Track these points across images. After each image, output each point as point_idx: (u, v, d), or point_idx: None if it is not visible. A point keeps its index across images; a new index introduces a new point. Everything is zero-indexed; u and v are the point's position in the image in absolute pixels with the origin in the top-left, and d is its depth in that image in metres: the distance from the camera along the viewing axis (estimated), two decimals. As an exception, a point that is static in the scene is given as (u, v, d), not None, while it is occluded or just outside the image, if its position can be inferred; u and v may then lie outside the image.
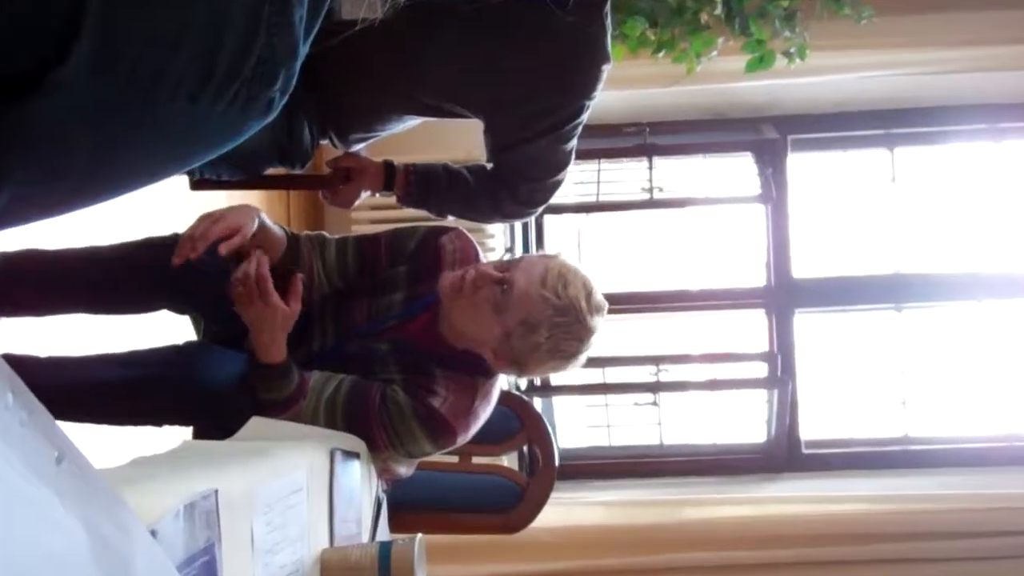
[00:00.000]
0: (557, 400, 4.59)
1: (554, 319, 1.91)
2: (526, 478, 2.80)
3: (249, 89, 0.87)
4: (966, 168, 4.63)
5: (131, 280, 2.11)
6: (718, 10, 3.81)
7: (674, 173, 4.61)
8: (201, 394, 1.94)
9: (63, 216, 0.92)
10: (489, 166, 2.41)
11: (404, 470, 2.21)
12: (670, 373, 4.45)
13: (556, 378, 4.44)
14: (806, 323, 4.56)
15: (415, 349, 2.04)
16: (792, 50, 3.90)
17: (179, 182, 2.36)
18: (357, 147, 2.48)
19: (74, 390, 1.97)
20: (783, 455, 4.46)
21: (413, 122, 2.49)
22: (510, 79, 2.25)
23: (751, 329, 4.64)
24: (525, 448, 2.85)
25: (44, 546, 0.79)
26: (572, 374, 4.33)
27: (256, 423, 1.82)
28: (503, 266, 2.00)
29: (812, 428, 4.54)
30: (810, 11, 3.89)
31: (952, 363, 4.60)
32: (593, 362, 3.98)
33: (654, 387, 4.45)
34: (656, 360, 4.46)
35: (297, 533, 1.54)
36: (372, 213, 4.13)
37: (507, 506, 2.75)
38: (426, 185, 2.37)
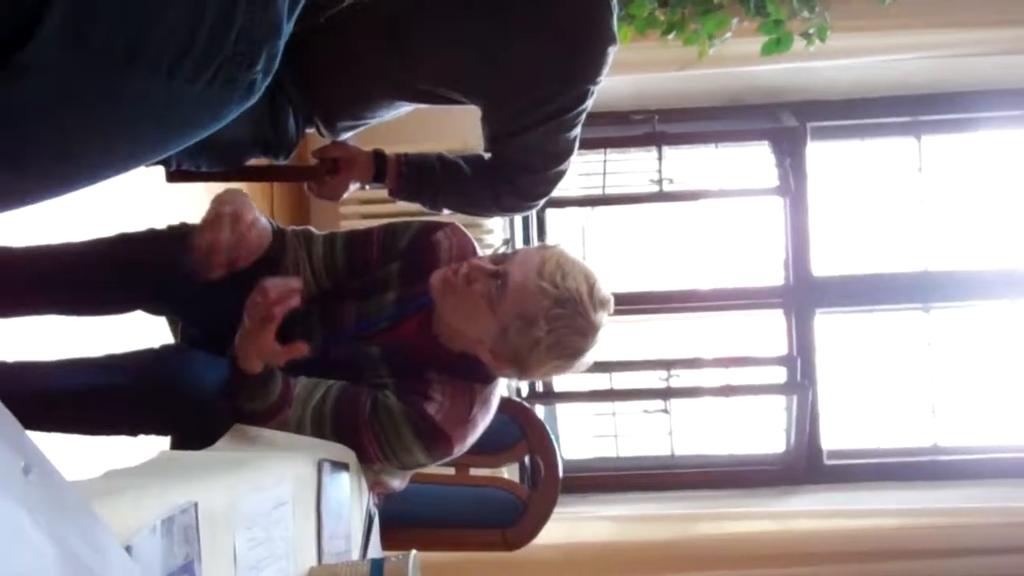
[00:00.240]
0: (561, 408, 4.59)
1: (552, 311, 1.90)
2: (528, 491, 2.80)
3: (230, 68, 0.87)
4: (999, 157, 4.63)
5: (104, 279, 2.11)
6: (732, -12, 3.81)
7: (685, 164, 4.62)
8: (179, 401, 1.94)
9: (31, 208, 0.92)
10: (487, 156, 2.41)
11: (397, 483, 2.21)
12: (682, 378, 4.45)
13: (560, 384, 4.44)
14: (827, 324, 4.56)
15: (408, 352, 2.03)
16: (811, 31, 3.91)
17: (154, 174, 2.35)
18: (345, 136, 2.48)
19: (43, 397, 1.97)
20: (803, 466, 4.46)
21: (405, 109, 2.49)
22: (509, 62, 2.24)
23: (769, 331, 4.64)
24: (527, 459, 2.86)
25: (10, 564, 0.78)
26: (577, 379, 4.37)
27: (238, 432, 1.82)
28: (498, 259, 2.00)
29: (834, 437, 4.55)
30: (831, -11, 3.90)
31: (984, 367, 4.60)
32: (599, 367, 3.97)
33: (665, 394, 4.45)
34: (667, 365, 4.45)
35: (283, 550, 1.54)
36: (362, 207, 4.13)
37: (507, 521, 2.75)
38: (419, 176, 2.37)
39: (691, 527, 4.12)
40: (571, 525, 4.01)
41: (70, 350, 2.10)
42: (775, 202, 4.59)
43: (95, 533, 0.90)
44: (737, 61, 4.14)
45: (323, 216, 4.12)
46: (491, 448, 2.61)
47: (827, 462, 4.49)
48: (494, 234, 4.09)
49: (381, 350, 2.05)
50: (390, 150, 2.41)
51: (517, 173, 2.35)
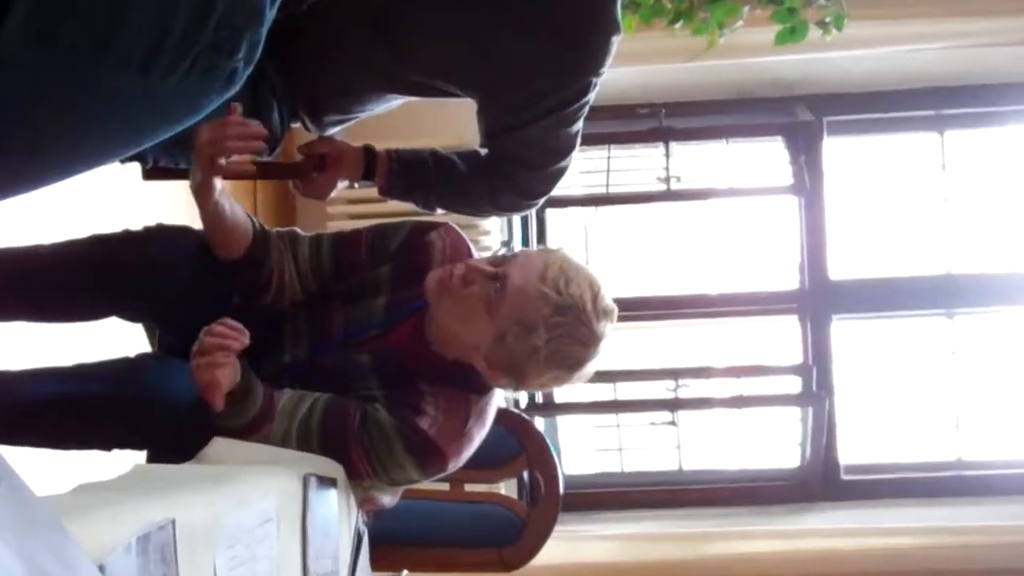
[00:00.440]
0: (562, 420, 4.59)
1: (553, 319, 1.90)
2: (526, 508, 2.80)
3: (208, 58, 0.87)
4: (1027, 154, 4.64)
5: (77, 282, 2.11)
6: (743, -26, 3.82)
7: (694, 160, 4.62)
8: (156, 413, 1.94)
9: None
10: (484, 152, 2.41)
11: (387, 499, 2.21)
12: (690, 389, 4.45)
13: (561, 395, 4.44)
14: (845, 331, 4.56)
15: (400, 361, 2.03)
16: (828, 20, 3.91)
17: (130, 171, 2.36)
18: (333, 130, 2.48)
19: (11, 409, 1.97)
20: (819, 482, 4.46)
21: (396, 102, 2.49)
22: (501, 56, 2.25)
23: (782, 338, 4.64)
24: (525, 474, 2.85)
25: (-24, 583, 0.79)
26: (579, 389, 4.37)
27: (219, 445, 1.82)
28: (497, 261, 2.00)
29: (852, 451, 4.54)
30: (848, -25, 3.90)
31: (1011, 377, 4.60)
32: (603, 376, 3.97)
33: (672, 405, 4.45)
34: (675, 374, 4.46)
35: (266, 569, 1.54)
36: (350, 207, 4.14)
37: (505, 540, 2.75)
38: (412, 174, 2.37)
39: (700, 547, 4.12)
40: (572, 544, 4.01)
41: (37, 360, 2.10)
42: (789, 201, 4.59)
43: (66, 551, 0.90)
44: (749, 51, 4.14)
45: (309, 216, 4.12)
46: (488, 463, 2.61)
47: (844, 477, 4.49)
48: (491, 235, 4.09)
49: (371, 358, 2.05)
50: (380, 146, 2.40)
51: (515, 170, 2.35)
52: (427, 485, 2.31)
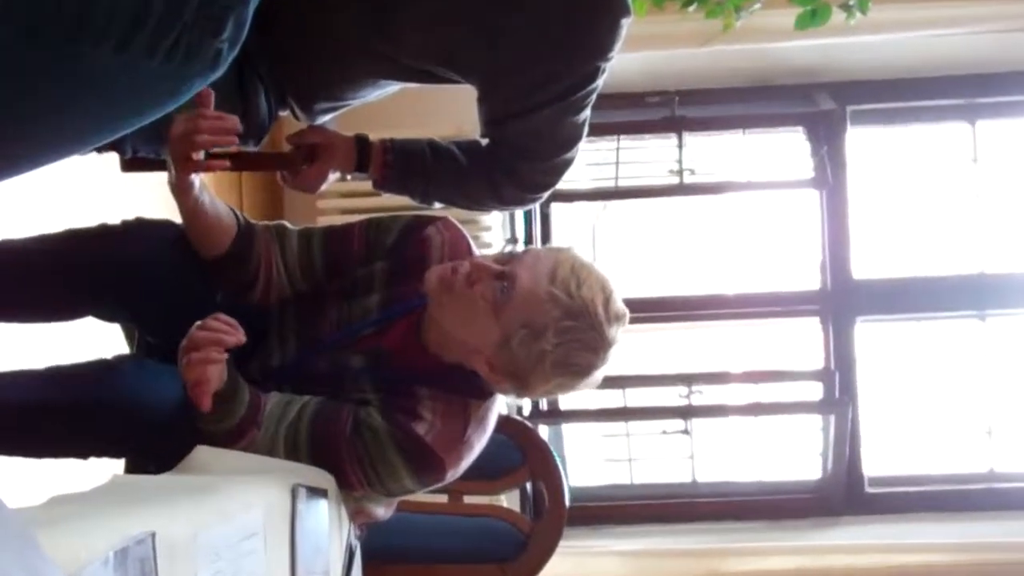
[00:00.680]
0: (568, 428, 4.59)
1: (563, 323, 1.90)
2: (530, 522, 2.80)
3: (192, 37, 0.87)
4: (1064, 146, 4.64)
5: (51, 280, 2.11)
6: (761, -47, 3.81)
7: (709, 152, 4.62)
8: (135, 419, 1.94)
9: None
10: (484, 142, 2.41)
11: (382, 511, 2.21)
12: (705, 395, 4.45)
13: (567, 401, 4.44)
14: (869, 334, 4.56)
15: (395, 363, 2.04)
16: (851, 2, 3.90)
17: (108, 161, 2.36)
18: (324, 119, 2.48)
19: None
20: (842, 495, 4.46)
21: (391, 89, 2.49)
22: (505, 38, 2.25)
23: (803, 342, 4.64)
24: (528, 485, 2.85)
25: (-57, 598, 0.79)
26: (586, 396, 4.37)
27: (202, 453, 1.83)
28: (504, 259, 2.00)
29: (877, 462, 4.54)
30: (873, -45, 3.90)
31: (1048, 383, 4.60)
32: (612, 382, 3.98)
33: (685, 412, 4.46)
34: (688, 380, 4.46)
35: (252, 586, 1.54)
36: (342, 201, 4.13)
37: (506, 556, 2.75)
38: (408, 165, 2.37)
39: (714, 564, 4.12)
40: (578, 560, 4.01)
41: (6, 363, 2.10)
42: (810, 196, 4.59)
43: (39, 566, 0.90)
44: (767, 36, 4.14)
45: (299, 210, 4.12)
46: (488, 473, 2.61)
47: (869, 490, 4.49)
48: (492, 231, 4.09)
49: (364, 360, 2.05)
50: (374, 135, 2.41)
51: (518, 161, 2.35)
52: (424, 497, 2.31)
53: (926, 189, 4.68)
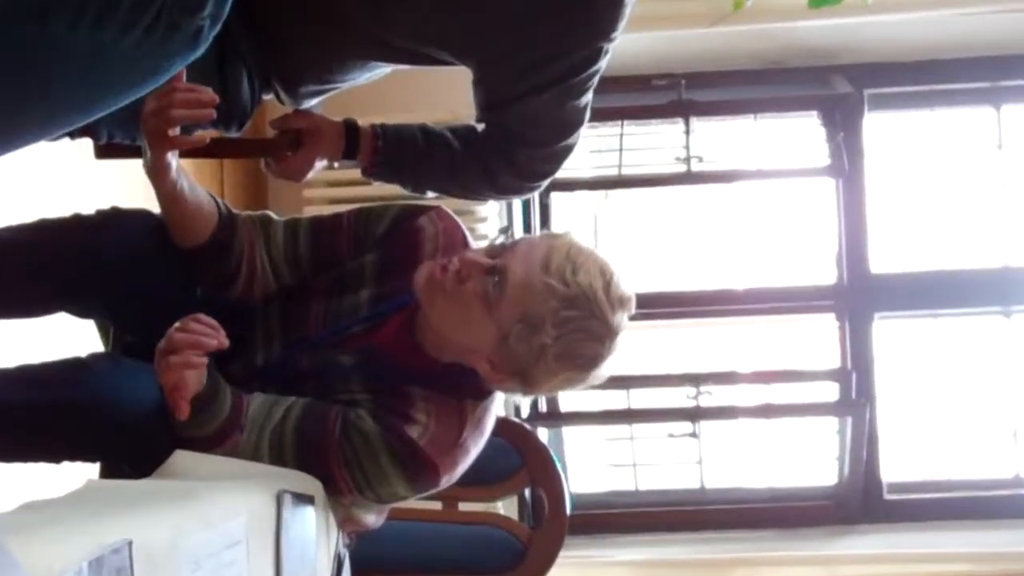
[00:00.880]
0: (569, 431, 4.59)
1: (562, 313, 1.90)
2: (528, 530, 2.80)
3: (171, 13, 0.87)
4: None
5: (21, 273, 2.11)
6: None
7: (718, 138, 4.62)
8: (111, 421, 1.94)
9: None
10: (480, 128, 2.41)
11: (372, 519, 2.21)
12: (714, 397, 4.45)
13: (568, 402, 4.44)
14: (888, 331, 4.56)
15: (386, 363, 2.04)
16: (869, -21, 3.91)
17: (82, 148, 2.35)
18: (310, 103, 2.48)
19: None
20: (859, 502, 4.46)
21: (382, 71, 2.49)
22: (506, 13, 2.25)
23: (818, 340, 4.64)
24: (527, 492, 2.85)
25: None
26: (588, 397, 4.37)
27: (181, 458, 1.83)
28: (495, 251, 2.00)
29: (896, 467, 4.54)
30: (893, -72, 3.91)
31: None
32: (615, 382, 3.98)
33: (693, 414, 4.45)
34: (696, 380, 4.46)
35: (235, 598, 1.54)
36: (329, 190, 4.14)
37: (504, 566, 2.75)
38: (399, 152, 2.38)
39: (724, 575, 4.12)
40: (580, 571, 4.01)
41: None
42: (826, 184, 4.59)
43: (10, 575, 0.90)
44: (780, 15, 4.14)
45: (283, 200, 4.12)
46: (485, 478, 2.61)
47: (888, 497, 4.49)
48: (488, 222, 4.09)
49: (354, 359, 2.05)
50: (364, 120, 2.41)
51: (516, 148, 2.35)
52: (417, 503, 2.31)
53: (948, 177, 4.68)
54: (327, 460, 1.97)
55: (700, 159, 4.48)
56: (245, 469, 1.87)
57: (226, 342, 1.88)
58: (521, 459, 2.78)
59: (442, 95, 3.51)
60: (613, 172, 4.53)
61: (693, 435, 4.48)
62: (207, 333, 1.86)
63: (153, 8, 0.88)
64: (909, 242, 4.68)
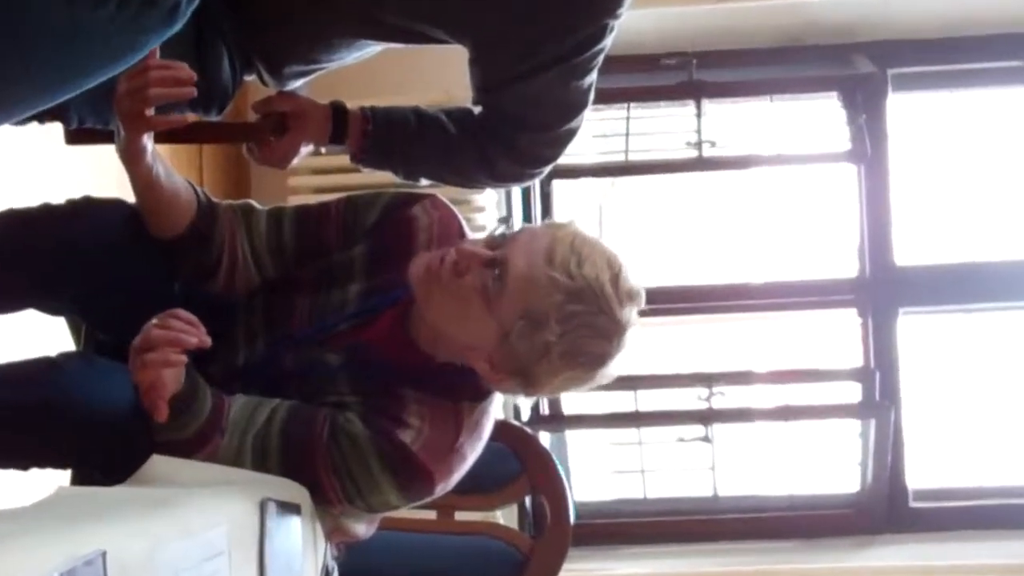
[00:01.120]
0: (572, 435, 4.59)
1: (567, 307, 1.90)
2: (529, 541, 2.80)
3: None
4: None
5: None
6: None
7: (731, 122, 4.62)
8: (83, 425, 1.94)
9: None
10: (477, 111, 2.41)
11: (362, 529, 2.21)
12: (728, 398, 4.45)
13: (571, 404, 4.44)
14: (914, 328, 4.56)
15: (377, 362, 2.04)
16: (893, -49, 3.91)
17: (52, 133, 2.36)
18: (295, 84, 2.48)
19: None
20: (883, 510, 4.47)
21: (372, 50, 2.49)
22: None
23: (839, 337, 4.65)
24: (528, 500, 2.86)
25: None
26: (593, 398, 4.37)
27: (158, 464, 1.83)
28: (495, 242, 2.00)
29: (923, 473, 4.55)
30: None
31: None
32: (622, 383, 3.96)
33: (706, 417, 4.46)
34: (708, 380, 4.46)
35: (216, 613, 1.55)
36: (315, 178, 4.14)
37: (503, 579, 2.76)
38: (390, 136, 2.38)
39: (739, 588, 4.13)
40: (585, 586, 4.02)
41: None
42: (847, 171, 4.59)
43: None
44: (798, -10, 4.15)
45: (266, 188, 4.12)
46: (483, 485, 2.61)
47: (913, 505, 4.49)
48: (486, 212, 4.09)
49: (342, 358, 2.06)
50: (352, 103, 2.41)
51: (515, 131, 2.35)
52: (410, 513, 2.31)
53: (978, 162, 4.68)
54: (314, 466, 1.97)
55: (712, 144, 4.48)
56: (226, 475, 1.88)
57: (207, 340, 1.88)
58: (521, 465, 2.78)
59: (436, 75, 3.52)
60: (619, 158, 4.53)
61: (705, 439, 4.48)
62: (186, 330, 1.87)
63: None
64: (936, 232, 4.68)
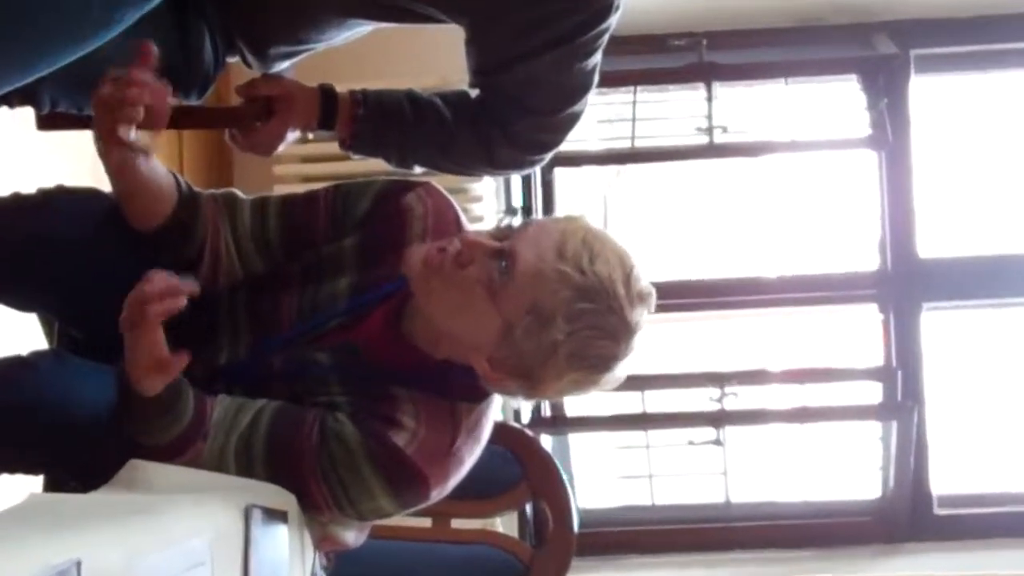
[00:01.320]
0: (576, 438, 4.60)
1: (576, 305, 1.90)
2: (530, 550, 2.81)
3: None
4: None
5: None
6: None
7: (744, 106, 4.62)
8: (57, 427, 1.94)
9: None
10: (474, 94, 2.41)
11: (352, 537, 2.21)
12: (740, 399, 4.46)
13: (575, 406, 4.45)
14: (938, 324, 4.57)
15: (370, 360, 2.04)
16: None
17: (22, 118, 2.36)
18: (281, 66, 2.48)
19: None
20: (906, 518, 4.48)
21: (362, 30, 2.49)
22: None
23: (859, 334, 4.65)
24: (529, 507, 2.86)
25: None
26: (598, 400, 4.37)
27: (137, 469, 1.83)
28: (502, 233, 2.00)
29: (948, 478, 4.55)
30: None
31: None
32: (629, 383, 3.96)
33: (717, 419, 4.46)
34: (720, 380, 4.47)
35: (198, 626, 1.55)
36: (303, 167, 4.15)
37: (503, 591, 2.76)
38: (382, 122, 2.38)
39: (753, 601, 4.14)
40: (590, 598, 4.03)
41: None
42: (867, 158, 4.59)
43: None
44: (815, -34, 4.15)
45: (251, 177, 4.12)
46: (481, 491, 2.61)
47: (938, 512, 4.51)
48: (484, 201, 4.09)
49: (332, 357, 2.05)
50: (342, 86, 2.41)
51: (514, 116, 2.35)
52: (404, 520, 2.31)
53: (1005, 150, 4.68)
54: (302, 471, 1.97)
55: (724, 130, 4.49)
56: (209, 481, 1.88)
57: (196, 287, 1.88)
58: (522, 469, 2.79)
59: (430, 58, 3.52)
60: (625, 144, 4.54)
61: (717, 442, 4.49)
62: (172, 288, 1.87)
63: None
64: (961, 223, 4.68)
